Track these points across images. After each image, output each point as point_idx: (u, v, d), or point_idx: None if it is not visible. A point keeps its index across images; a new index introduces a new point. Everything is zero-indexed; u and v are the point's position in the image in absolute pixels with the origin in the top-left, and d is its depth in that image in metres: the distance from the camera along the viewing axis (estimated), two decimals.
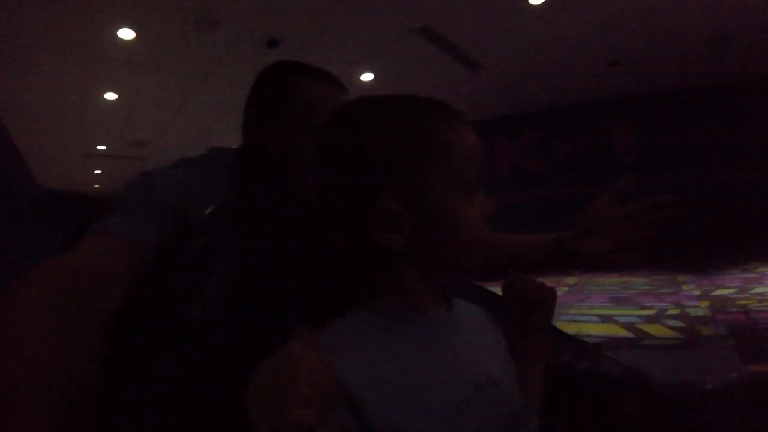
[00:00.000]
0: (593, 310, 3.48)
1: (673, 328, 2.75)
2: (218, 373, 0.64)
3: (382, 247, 0.56)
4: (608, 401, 1.06)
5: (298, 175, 0.99)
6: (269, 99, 1.05)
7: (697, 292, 3.68)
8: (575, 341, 1.15)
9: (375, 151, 0.57)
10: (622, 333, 2.76)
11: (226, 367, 0.64)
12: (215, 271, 0.70)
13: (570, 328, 2.35)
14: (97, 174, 9.06)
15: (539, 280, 0.77)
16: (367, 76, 5.25)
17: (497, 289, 0.87)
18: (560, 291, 4.31)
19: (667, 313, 3.12)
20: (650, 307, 3.32)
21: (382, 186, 0.56)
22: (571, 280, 4.83)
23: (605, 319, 3.11)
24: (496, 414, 0.56)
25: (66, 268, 0.67)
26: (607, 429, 1.04)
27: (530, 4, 3.88)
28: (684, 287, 3.94)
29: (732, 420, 1.08)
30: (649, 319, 2.99)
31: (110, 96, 5.18)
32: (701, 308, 3.17)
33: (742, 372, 1.54)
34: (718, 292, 3.58)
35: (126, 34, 3.88)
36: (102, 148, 7.26)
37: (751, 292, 3.48)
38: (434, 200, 0.57)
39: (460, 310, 0.66)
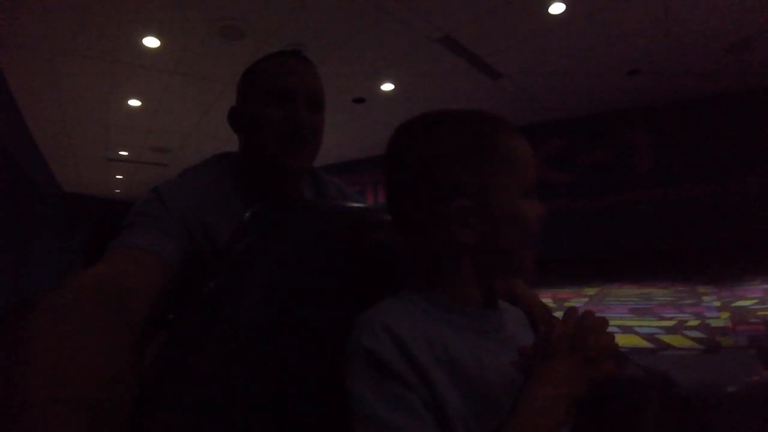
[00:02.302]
0: (613, 321, 3.45)
1: (693, 339, 2.73)
2: (265, 371, 0.66)
3: (455, 241, 0.63)
4: (633, 404, 1.07)
5: (268, 146, 1.02)
6: (242, 84, 1.09)
7: (717, 304, 3.64)
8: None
9: (451, 157, 0.64)
10: (643, 344, 2.75)
11: (274, 365, 0.67)
12: (259, 271, 0.72)
13: None
14: (119, 179, 9.17)
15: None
16: (388, 86, 5.28)
17: None
18: (580, 301, 4.29)
19: (687, 324, 3.10)
20: (670, 318, 3.30)
21: (459, 187, 0.63)
22: (591, 290, 4.80)
23: (625, 330, 3.09)
24: None
25: (94, 280, 0.69)
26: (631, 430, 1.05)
27: (550, 13, 3.89)
28: (704, 298, 3.90)
29: (755, 423, 1.08)
30: (670, 330, 2.97)
31: (134, 102, 5.26)
32: (722, 319, 3.13)
33: (763, 376, 1.53)
34: (738, 304, 3.54)
35: (151, 42, 3.95)
36: (124, 153, 7.36)
37: None
38: (501, 200, 0.64)
39: (504, 308, 0.73)
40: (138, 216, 0.89)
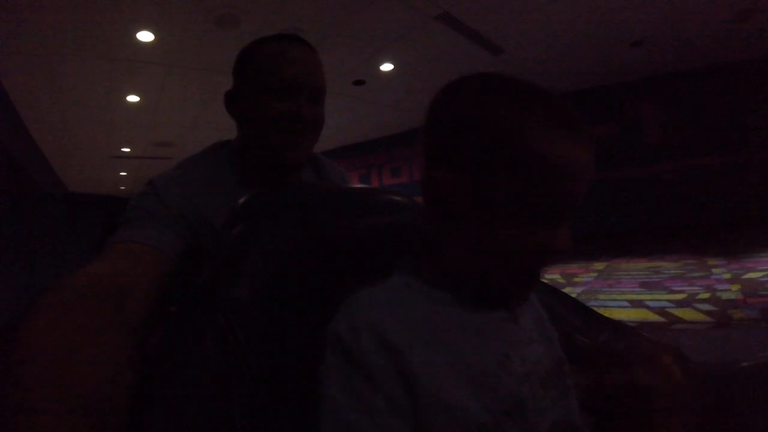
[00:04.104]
0: (623, 295, 3.44)
1: (704, 312, 2.70)
2: (263, 366, 0.64)
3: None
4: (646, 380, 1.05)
5: (267, 139, 1.00)
6: (240, 68, 1.06)
7: (727, 276, 3.61)
8: (612, 322, 1.14)
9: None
10: (653, 318, 2.73)
11: (275, 348, 0.65)
12: (256, 256, 0.70)
13: None
14: (123, 176, 9.19)
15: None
16: (388, 66, 5.22)
17: None
18: (589, 276, 4.27)
19: (697, 297, 3.07)
20: (680, 292, 3.27)
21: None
22: (600, 265, 4.78)
23: (636, 304, 3.07)
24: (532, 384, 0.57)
25: (92, 278, 0.69)
26: (647, 408, 1.03)
27: None
28: (714, 271, 3.87)
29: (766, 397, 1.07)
30: (680, 304, 2.95)
31: (133, 98, 5.24)
32: (732, 292, 3.11)
33: None
34: (748, 276, 3.51)
35: (145, 36, 3.92)
36: (127, 150, 7.36)
37: None
38: None
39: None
40: (134, 210, 0.88)
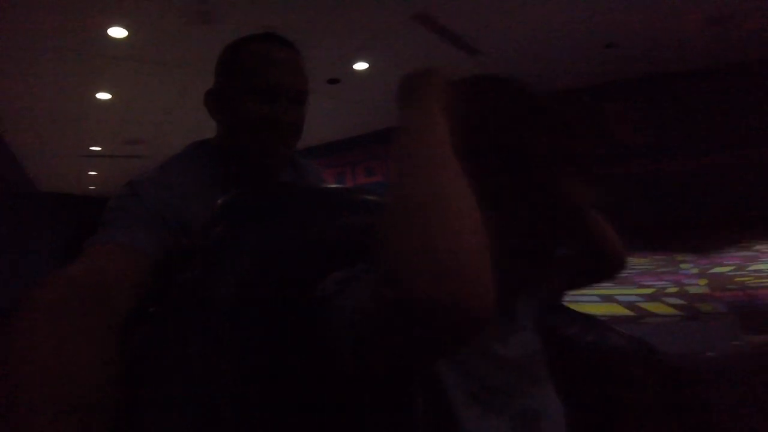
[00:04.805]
0: (594, 290, 3.45)
1: (673, 306, 2.78)
2: (248, 352, 0.65)
3: None
4: (617, 372, 1.09)
5: (246, 142, 1.01)
6: (221, 67, 1.06)
7: (695, 271, 3.70)
8: (582, 316, 1.18)
9: None
10: (623, 312, 2.80)
11: (256, 346, 0.66)
12: (236, 256, 0.71)
13: None
14: (93, 175, 9.01)
15: None
16: (362, 65, 5.23)
17: None
18: None
19: (666, 291, 3.15)
20: (650, 286, 3.35)
21: None
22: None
23: (606, 299, 3.14)
24: None
25: (75, 278, 0.69)
26: (616, 399, 1.07)
27: None
28: (682, 266, 3.96)
29: (734, 387, 1.11)
30: (649, 298, 3.02)
31: (103, 96, 5.15)
32: (700, 286, 3.20)
33: (742, 340, 1.56)
34: (716, 270, 3.60)
35: (117, 32, 3.86)
36: (97, 148, 7.23)
37: (748, 269, 3.51)
38: None
39: None
40: (113, 211, 0.88)
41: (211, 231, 0.76)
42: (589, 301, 3.18)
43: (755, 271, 3.42)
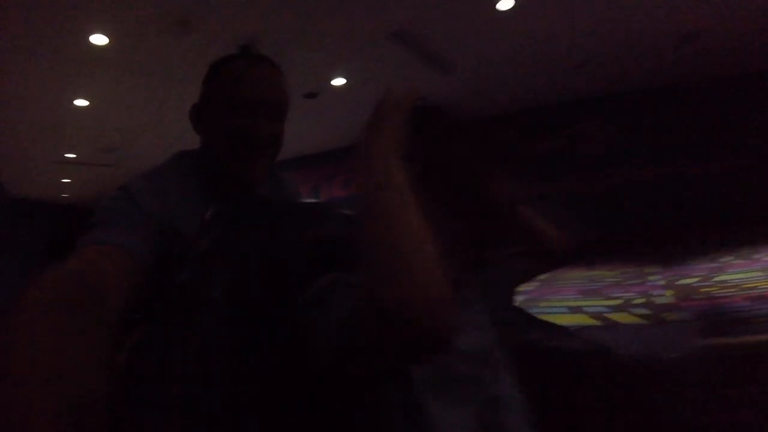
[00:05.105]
0: (563, 302, 3.57)
1: (639, 315, 2.84)
2: (237, 351, 0.70)
3: None
4: (575, 373, 1.16)
5: (222, 155, 1.03)
6: (206, 83, 1.09)
7: (662, 282, 3.78)
8: (546, 324, 1.25)
9: None
10: (591, 322, 2.86)
11: (244, 345, 0.71)
12: (227, 262, 0.76)
13: None
14: (66, 182, 8.87)
15: None
16: (340, 81, 5.30)
17: None
18: (531, 285, 4.41)
19: (633, 302, 3.22)
20: (617, 298, 3.42)
21: None
22: (542, 275, 4.91)
23: (574, 310, 3.20)
24: None
25: (71, 275, 0.70)
26: (575, 399, 1.13)
27: (499, 9, 4.02)
28: (650, 278, 4.04)
29: (692, 385, 1.18)
30: (616, 309, 3.09)
31: (81, 102, 5.12)
32: (667, 296, 3.26)
33: (701, 343, 1.64)
34: (683, 281, 3.69)
35: (99, 39, 3.87)
36: (72, 155, 7.14)
37: (714, 280, 3.59)
38: None
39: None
40: (108, 213, 0.89)
41: (202, 239, 0.80)
42: (558, 312, 3.24)
43: (720, 281, 3.50)
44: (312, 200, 1.14)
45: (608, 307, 3.17)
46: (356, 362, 0.58)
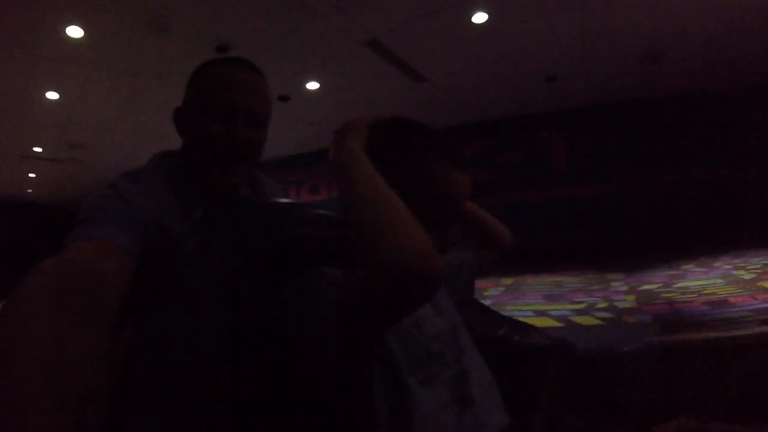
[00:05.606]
0: (528, 306, 3.65)
1: (601, 319, 2.94)
2: (227, 341, 0.75)
3: None
4: (536, 366, 1.23)
5: (202, 160, 1.04)
6: (189, 87, 1.10)
7: (624, 288, 3.90)
8: (510, 320, 1.33)
9: None
10: (555, 324, 2.94)
11: (234, 335, 0.76)
12: (216, 263, 0.81)
13: None
14: (32, 177, 8.65)
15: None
16: (314, 85, 5.33)
17: None
18: (497, 290, 4.51)
19: (596, 306, 3.32)
20: (581, 302, 3.51)
21: None
22: (508, 280, 5.03)
23: (539, 314, 3.28)
24: None
25: (70, 266, 0.71)
26: (536, 390, 1.21)
27: (473, 22, 4.10)
28: (612, 284, 4.16)
29: (644, 376, 1.27)
30: (580, 312, 3.18)
31: (52, 95, 5.03)
32: (628, 301, 3.37)
33: (655, 339, 1.73)
34: (644, 287, 3.80)
35: (74, 32, 3.82)
36: (39, 150, 7.00)
37: (674, 286, 3.69)
38: None
39: None
40: (98, 210, 0.88)
41: (191, 240, 0.86)
42: (524, 315, 3.32)
43: (681, 288, 3.61)
44: (291, 201, 1.17)
45: (572, 310, 3.27)
46: (355, 330, 0.65)
